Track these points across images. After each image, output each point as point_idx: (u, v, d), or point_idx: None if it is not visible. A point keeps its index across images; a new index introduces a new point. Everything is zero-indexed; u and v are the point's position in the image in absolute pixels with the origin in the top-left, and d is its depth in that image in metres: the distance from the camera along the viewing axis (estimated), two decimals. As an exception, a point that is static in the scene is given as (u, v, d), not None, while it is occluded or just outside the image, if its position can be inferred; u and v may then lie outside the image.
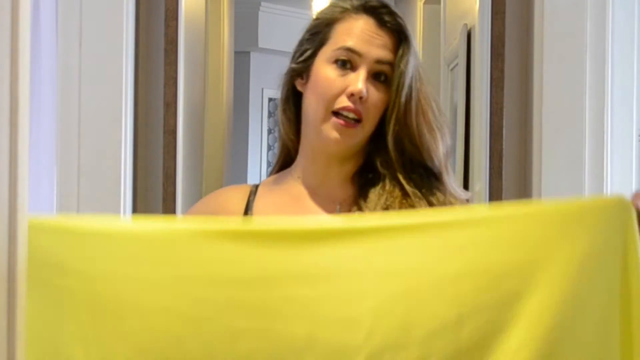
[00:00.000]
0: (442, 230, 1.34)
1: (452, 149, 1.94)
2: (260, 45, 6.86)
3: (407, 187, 1.61)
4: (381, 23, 1.63)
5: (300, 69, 1.66)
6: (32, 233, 1.16)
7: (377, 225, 1.36)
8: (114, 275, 1.34)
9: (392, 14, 1.64)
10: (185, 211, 2.75)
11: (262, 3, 6.83)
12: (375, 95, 1.60)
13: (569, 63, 2.52)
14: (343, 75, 1.60)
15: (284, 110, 1.72)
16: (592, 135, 2.50)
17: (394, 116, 1.61)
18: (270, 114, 7.19)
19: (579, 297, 1.31)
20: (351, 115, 1.59)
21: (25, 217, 1.14)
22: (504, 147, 2.63)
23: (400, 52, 1.62)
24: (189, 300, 1.32)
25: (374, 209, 1.59)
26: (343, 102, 1.59)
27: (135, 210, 2.60)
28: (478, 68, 2.79)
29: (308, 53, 1.66)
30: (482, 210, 1.47)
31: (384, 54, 1.61)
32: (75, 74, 2.51)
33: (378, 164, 1.64)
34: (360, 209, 1.62)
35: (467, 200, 1.68)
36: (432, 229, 1.35)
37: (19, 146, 1.05)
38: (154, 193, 2.65)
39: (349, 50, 1.61)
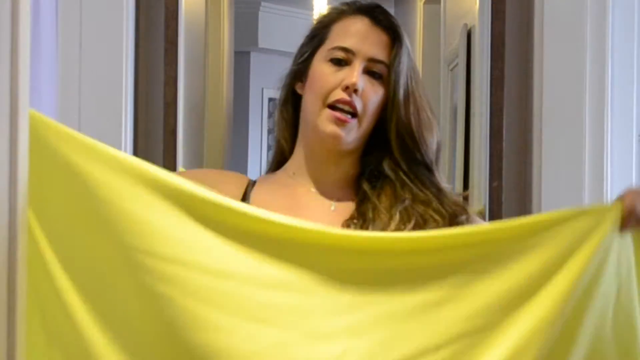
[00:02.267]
0: (428, 255, 1.35)
1: (452, 148, 1.93)
2: (260, 45, 6.85)
3: (415, 189, 1.63)
4: (375, 22, 1.67)
5: (299, 70, 1.70)
6: (34, 124, 1.17)
7: (366, 246, 1.36)
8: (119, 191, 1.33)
9: (385, 13, 1.69)
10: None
11: (262, 3, 6.82)
12: (370, 91, 1.63)
13: (569, 63, 2.52)
14: (338, 70, 1.63)
15: (282, 112, 1.74)
16: (592, 135, 2.49)
17: (394, 114, 1.63)
18: (270, 114, 7.19)
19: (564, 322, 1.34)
20: (346, 107, 1.62)
21: (25, 217, 1.14)
22: (504, 147, 2.63)
23: (394, 51, 1.65)
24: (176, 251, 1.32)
25: (387, 213, 1.61)
26: (338, 94, 1.62)
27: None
28: (478, 68, 2.79)
29: (306, 55, 1.70)
30: (468, 234, 1.44)
31: (378, 51, 1.65)
32: (75, 74, 2.51)
33: (385, 166, 1.65)
34: (365, 212, 1.62)
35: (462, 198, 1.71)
36: (419, 253, 1.36)
37: (19, 145, 1.05)
38: (154, 193, 2.64)
39: (344, 49, 1.65)
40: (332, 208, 1.66)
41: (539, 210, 2.52)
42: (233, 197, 1.59)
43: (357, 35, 1.65)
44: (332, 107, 1.61)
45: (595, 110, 2.50)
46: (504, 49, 2.63)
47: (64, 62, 2.53)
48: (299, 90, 1.70)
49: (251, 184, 1.72)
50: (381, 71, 1.64)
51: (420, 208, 1.61)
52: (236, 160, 6.35)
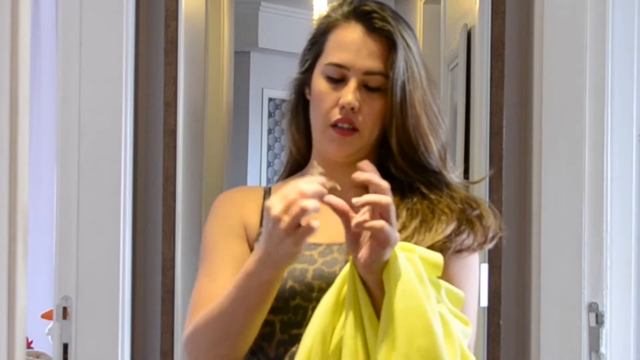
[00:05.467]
0: None
1: (451, 144, 1.91)
2: (260, 45, 6.86)
3: (424, 190, 1.65)
4: (370, 29, 1.64)
5: (304, 80, 1.70)
6: None
7: None
8: None
9: (383, 19, 1.65)
10: (185, 211, 2.75)
11: (262, 3, 6.83)
12: (368, 105, 1.63)
13: (569, 63, 2.52)
14: (335, 88, 1.64)
15: (293, 121, 1.75)
16: (592, 135, 2.50)
17: (392, 124, 1.64)
18: (270, 114, 7.19)
19: None
20: (346, 125, 1.63)
21: (26, 217, 1.14)
22: (504, 147, 2.63)
23: (390, 59, 1.63)
24: None
25: (397, 213, 1.61)
26: (336, 114, 1.63)
27: (135, 210, 2.60)
28: (478, 68, 2.79)
29: (308, 64, 1.70)
30: None
31: (373, 64, 1.63)
32: (75, 74, 2.51)
33: (392, 169, 1.66)
34: None
35: (467, 187, 1.73)
36: None
37: (19, 146, 1.05)
38: (154, 193, 2.65)
39: (337, 65, 1.64)
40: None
41: (539, 210, 2.52)
42: (254, 214, 1.70)
43: (351, 48, 1.63)
44: (334, 125, 1.64)
45: (595, 110, 2.50)
46: (504, 49, 2.63)
47: (64, 62, 2.53)
48: (307, 96, 1.71)
49: (267, 193, 1.74)
50: (378, 82, 1.63)
51: (429, 204, 1.63)
52: (236, 160, 6.35)
